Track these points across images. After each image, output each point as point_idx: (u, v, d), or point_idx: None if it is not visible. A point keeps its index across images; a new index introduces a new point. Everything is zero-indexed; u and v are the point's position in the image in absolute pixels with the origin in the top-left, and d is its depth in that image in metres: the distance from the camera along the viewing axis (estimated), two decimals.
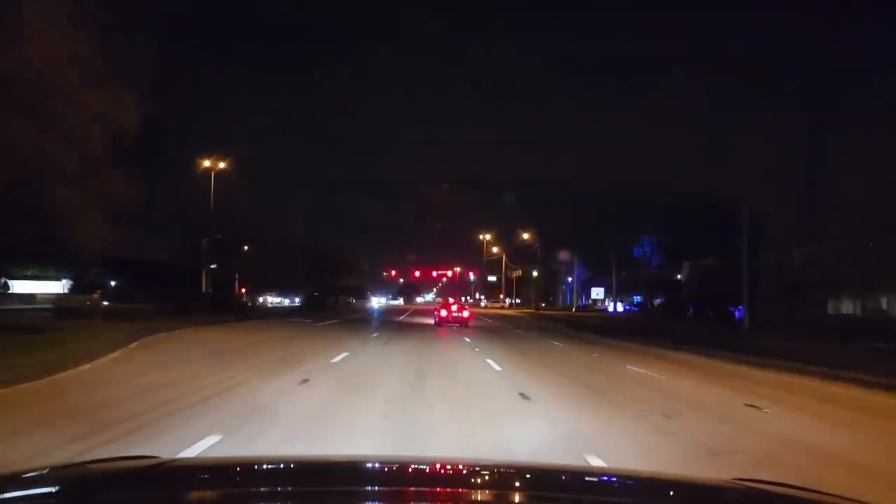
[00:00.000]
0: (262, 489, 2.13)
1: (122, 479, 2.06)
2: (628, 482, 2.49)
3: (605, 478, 2.81)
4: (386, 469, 2.54)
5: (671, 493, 2.25)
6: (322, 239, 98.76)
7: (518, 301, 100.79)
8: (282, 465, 2.73)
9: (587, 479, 2.74)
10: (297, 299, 63.55)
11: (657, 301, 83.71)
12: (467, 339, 23.90)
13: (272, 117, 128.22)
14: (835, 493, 2.10)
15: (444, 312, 34.39)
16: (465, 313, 34.61)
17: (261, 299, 59.61)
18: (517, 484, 2.31)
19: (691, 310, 70.59)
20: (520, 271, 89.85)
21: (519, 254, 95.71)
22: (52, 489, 1.96)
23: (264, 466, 2.59)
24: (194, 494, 2.02)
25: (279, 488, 2.13)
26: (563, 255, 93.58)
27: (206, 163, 58.46)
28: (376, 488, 2.12)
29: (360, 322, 35.60)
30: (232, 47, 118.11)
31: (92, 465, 2.22)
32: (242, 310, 36.69)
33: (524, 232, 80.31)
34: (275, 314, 38.68)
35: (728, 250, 65.03)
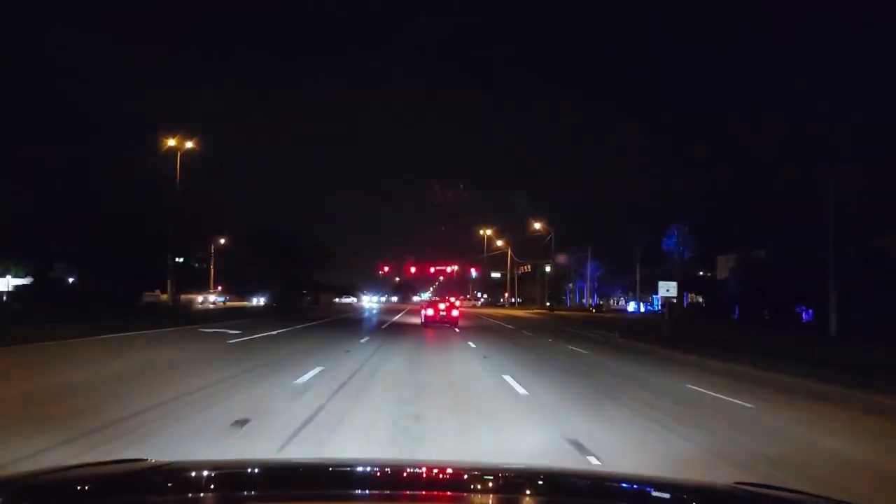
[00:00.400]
0: (254, 492, 1.97)
1: (114, 482, 1.94)
2: (629, 485, 2.31)
3: (605, 481, 2.51)
4: (383, 472, 2.32)
5: (672, 496, 2.12)
6: (310, 232, 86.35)
7: (519, 300, 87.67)
8: (276, 469, 2.53)
9: (587, 482, 2.41)
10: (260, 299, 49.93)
11: (679, 301, 70.75)
12: (516, 387, 10.12)
13: (269, 116, 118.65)
14: (835, 497, 1.96)
15: (430, 311, 29.76)
16: (455, 312, 30.18)
17: (200, 298, 45.94)
18: (513, 487, 2.13)
19: (737, 311, 58.00)
20: (529, 266, 76.51)
21: (525, 249, 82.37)
22: (43, 493, 1.78)
23: (258, 469, 2.38)
24: (186, 498, 1.91)
25: (272, 492, 1.94)
26: (561, 258, 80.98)
27: (171, 142, 48.24)
28: (372, 492, 1.98)
29: (316, 334, 21.98)
30: (234, 48, 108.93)
31: (82, 469, 2.09)
32: (133, 313, 23.11)
33: (535, 221, 66.73)
34: (198, 320, 24.82)
35: (784, 241, 52.39)
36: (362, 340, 19.17)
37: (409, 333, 23.72)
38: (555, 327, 34.56)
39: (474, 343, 19.71)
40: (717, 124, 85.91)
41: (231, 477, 2.14)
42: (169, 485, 1.98)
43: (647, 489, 2.22)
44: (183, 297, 36.59)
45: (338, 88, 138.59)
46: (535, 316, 56.54)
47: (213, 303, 48.09)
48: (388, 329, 26.05)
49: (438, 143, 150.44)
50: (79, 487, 1.86)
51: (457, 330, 26.73)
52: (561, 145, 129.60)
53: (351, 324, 30.34)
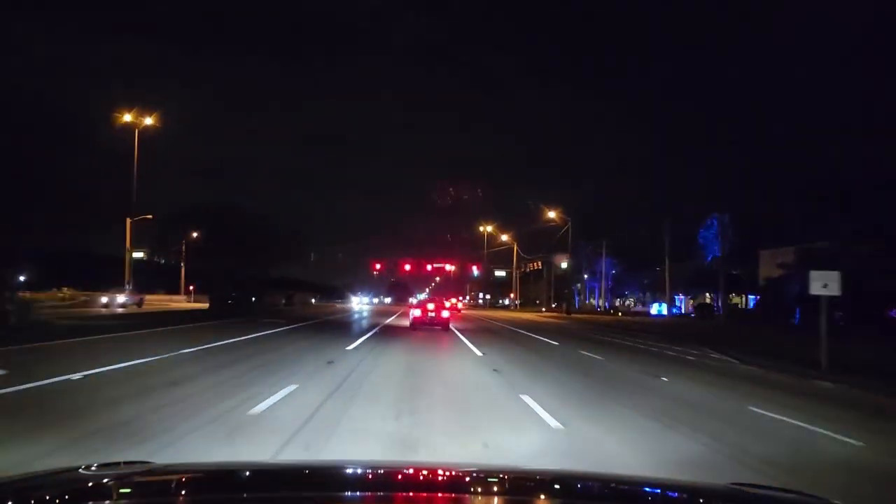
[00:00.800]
0: (256, 495, 1.84)
1: (115, 484, 1.83)
2: (627, 486, 2.18)
3: (602, 482, 2.28)
4: (385, 474, 2.16)
5: (668, 497, 2.04)
6: (310, 232, 75.05)
7: (518, 302, 75.78)
8: (277, 471, 2.36)
9: (582, 483, 2.24)
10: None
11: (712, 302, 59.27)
12: None
13: (267, 116, 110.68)
14: (833, 499, 1.88)
15: (418, 312, 25.34)
16: (445, 314, 25.51)
17: (104, 299, 33.44)
18: (507, 488, 2.00)
19: (798, 314, 46.53)
20: (539, 263, 64.76)
21: (531, 246, 70.69)
22: (45, 495, 1.65)
23: (259, 472, 2.23)
24: (187, 500, 1.82)
25: (273, 494, 1.82)
26: (560, 260, 69.44)
27: (127, 117, 39.36)
28: (374, 494, 1.84)
29: (190, 373, 9.87)
30: (232, 47, 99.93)
31: (84, 472, 1.89)
32: None
33: (549, 210, 54.97)
34: (9, 337, 12.67)
35: (863, 230, 41.31)
36: (257, 409, 7.20)
37: (393, 370, 11.82)
38: (610, 341, 22.85)
39: (543, 407, 7.80)
40: (743, 112, 74.75)
41: (229, 480, 1.98)
42: (171, 487, 1.87)
43: (644, 490, 2.11)
44: (67, 294, 24.84)
45: (336, 88, 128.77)
46: (554, 320, 44.72)
47: (123, 305, 35.30)
48: (360, 354, 14.12)
49: (437, 143, 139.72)
50: (74, 493, 1.72)
51: (479, 353, 14.86)
52: (562, 144, 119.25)
53: (309, 339, 18.28)
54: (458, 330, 25.04)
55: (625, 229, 70.49)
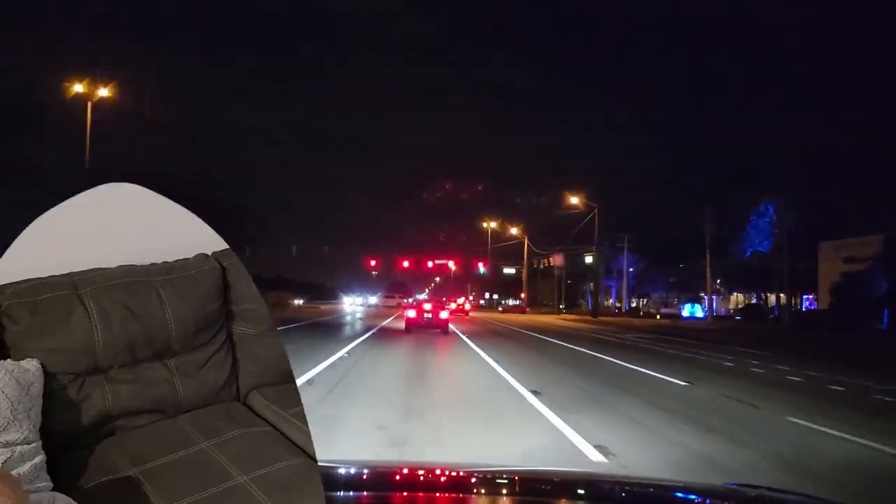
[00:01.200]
0: None
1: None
2: (621, 486, 2.08)
3: (598, 483, 2.21)
4: (385, 475, 2.05)
5: (664, 497, 1.95)
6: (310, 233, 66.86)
7: (518, 303, 66.36)
8: None
9: (578, 483, 2.11)
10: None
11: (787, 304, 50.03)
12: None
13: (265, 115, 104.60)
14: (832, 498, 1.82)
15: (412, 313, 23.54)
16: (444, 315, 23.30)
17: None
18: (509, 490, 1.94)
19: (885, 317, 37.33)
20: (557, 258, 55.53)
21: (550, 238, 61.24)
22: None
23: None
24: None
25: None
26: (556, 261, 60.27)
27: (78, 87, 32.99)
28: (372, 494, 1.78)
29: None
30: (231, 45, 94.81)
31: None
32: None
33: (572, 195, 45.56)
34: None
35: None
36: None
37: None
38: (747, 371, 13.40)
39: None
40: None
41: None
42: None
43: (640, 490, 2.02)
44: None
45: (337, 88, 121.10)
46: (584, 325, 35.34)
47: None
48: None
49: (438, 142, 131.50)
50: None
51: (599, 457, 5.31)
52: (567, 141, 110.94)
53: None
54: (478, 344, 15.64)
55: (643, 224, 61.74)
